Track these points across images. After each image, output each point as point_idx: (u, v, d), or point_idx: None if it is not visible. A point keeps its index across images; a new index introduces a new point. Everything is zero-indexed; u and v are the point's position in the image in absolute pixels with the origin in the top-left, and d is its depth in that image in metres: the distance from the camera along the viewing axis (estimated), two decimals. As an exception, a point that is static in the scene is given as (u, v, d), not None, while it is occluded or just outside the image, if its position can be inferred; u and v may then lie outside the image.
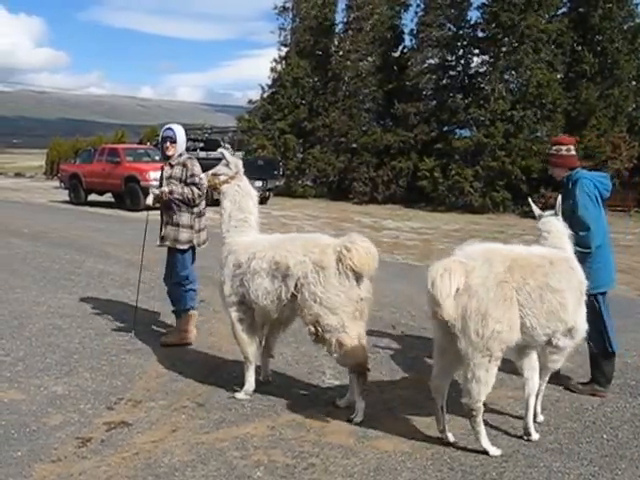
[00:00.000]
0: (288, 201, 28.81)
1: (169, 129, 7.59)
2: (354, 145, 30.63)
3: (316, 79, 33.34)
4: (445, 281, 4.64)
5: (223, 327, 8.21)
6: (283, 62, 34.80)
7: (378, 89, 30.90)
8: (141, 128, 55.12)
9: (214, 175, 6.47)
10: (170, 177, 7.46)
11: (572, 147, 6.52)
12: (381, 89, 30.84)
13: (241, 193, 6.30)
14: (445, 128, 28.80)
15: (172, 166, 7.51)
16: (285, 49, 35.10)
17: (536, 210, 6.01)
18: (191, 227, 7.47)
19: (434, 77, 29.27)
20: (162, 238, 7.50)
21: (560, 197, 5.95)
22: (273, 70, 35.06)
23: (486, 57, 28.39)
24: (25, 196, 30.37)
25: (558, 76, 26.50)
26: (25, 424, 5.42)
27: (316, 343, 5.67)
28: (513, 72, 26.82)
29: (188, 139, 33.63)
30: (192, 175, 7.37)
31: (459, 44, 29.27)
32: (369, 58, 31.74)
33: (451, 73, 29.69)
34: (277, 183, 27.66)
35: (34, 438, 5.19)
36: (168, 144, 7.52)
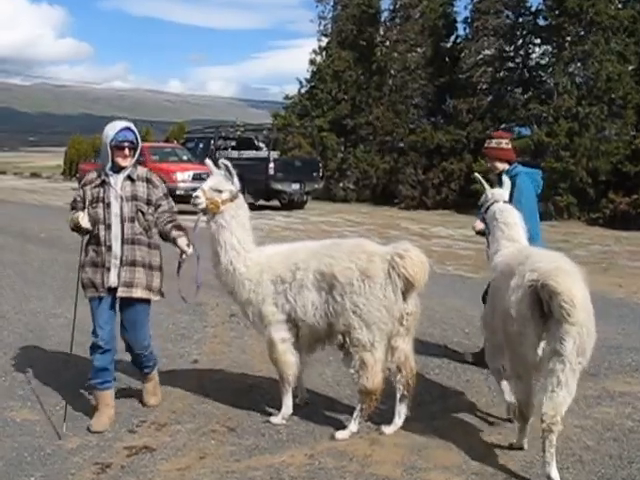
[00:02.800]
0: (328, 205, 28.83)
1: (128, 130, 5.93)
2: (401, 144, 30.56)
3: (359, 72, 33.28)
4: (583, 293, 4.81)
5: (256, 344, 8.20)
6: (323, 53, 34.89)
7: (428, 83, 30.79)
8: (168, 125, 55.64)
9: (216, 190, 5.86)
10: (135, 198, 5.91)
11: (509, 141, 7.70)
12: (431, 83, 30.73)
13: (246, 214, 6.04)
14: (502, 126, 28.53)
15: (132, 181, 5.95)
16: (325, 39, 35.16)
17: (489, 191, 6.36)
18: (161, 268, 6.14)
19: (490, 70, 29.05)
20: (128, 284, 5.85)
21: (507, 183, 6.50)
22: (312, 62, 35.19)
23: (549, 47, 28.13)
24: (41, 198, 30.79)
25: (630, 68, 26.11)
26: (39, 447, 5.45)
27: (340, 352, 5.75)
28: (579, 64, 26.48)
29: (219, 137, 33.79)
30: (165, 195, 6.16)
31: (518, 33, 29.04)
32: (418, 49, 31.63)
33: (509, 65, 29.47)
34: (316, 186, 27.71)
35: (49, 462, 5.20)
36: (127, 150, 5.88)
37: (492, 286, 5.97)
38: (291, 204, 26.81)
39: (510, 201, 6.38)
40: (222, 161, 5.96)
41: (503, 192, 6.34)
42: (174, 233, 5.96)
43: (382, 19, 34.00)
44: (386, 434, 5.76)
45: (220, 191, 5.82)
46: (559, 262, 5.10)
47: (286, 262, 5.82)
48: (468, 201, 27.27)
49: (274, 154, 27.86)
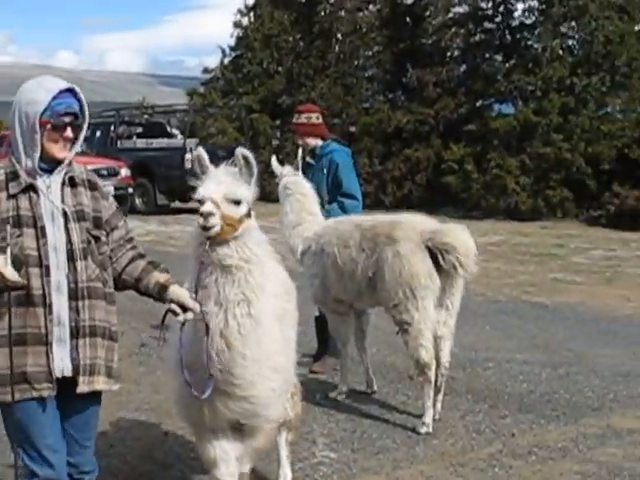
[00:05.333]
0: (261, 207, 28.50)
1: (70, 93, 4.16)
2: (352, 128, 30.62)
3: (297, 37, 33.40)
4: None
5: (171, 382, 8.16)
6: (251, 14, 34.86)
7: (384, 50, 30.92)
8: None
9: (233, 202, 4.37)
10: (83, 216, 4.19)
11: (320, 115, 9.11)
12: (388, 49, 30.81)
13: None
14: (479, 102, 28.75)
15: (74, 185, 4.24)
16: (254, -4, 35.19)
17: (277, 168, 8.20)
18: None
19: (462, 32, 29.14)
20: (90, 370, 4.13)
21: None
22: (237, 25, 35.11)
23: (535, 3, 28.29)
24: None
25: (635, 28, 26.44)
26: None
27: None
28: (572, 23, 26.79)
29: (121, 122, 33.38)
30: (119, 210, 4.48)
31: (498, -15, 29.31)
32: (370, 6, 31.81)
33: (487, 26, 29.52)
34: (247, 182, 27.57)
35: None
36: (69, 130, 4.14)
37: (318, 262, 7.61)
38: (215, 206, 26.55)
39: (321, 178, 8.45)
40: (240, 150, 4.42)
41: (291, 169, 8.19)
42: (157, 276, 4.37)
43: (325, -31, 34.14)
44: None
45: (238, 202, 4.41)
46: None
47: None
48: (437, 197, 27.40)
49: (191, 142, 27.76)
